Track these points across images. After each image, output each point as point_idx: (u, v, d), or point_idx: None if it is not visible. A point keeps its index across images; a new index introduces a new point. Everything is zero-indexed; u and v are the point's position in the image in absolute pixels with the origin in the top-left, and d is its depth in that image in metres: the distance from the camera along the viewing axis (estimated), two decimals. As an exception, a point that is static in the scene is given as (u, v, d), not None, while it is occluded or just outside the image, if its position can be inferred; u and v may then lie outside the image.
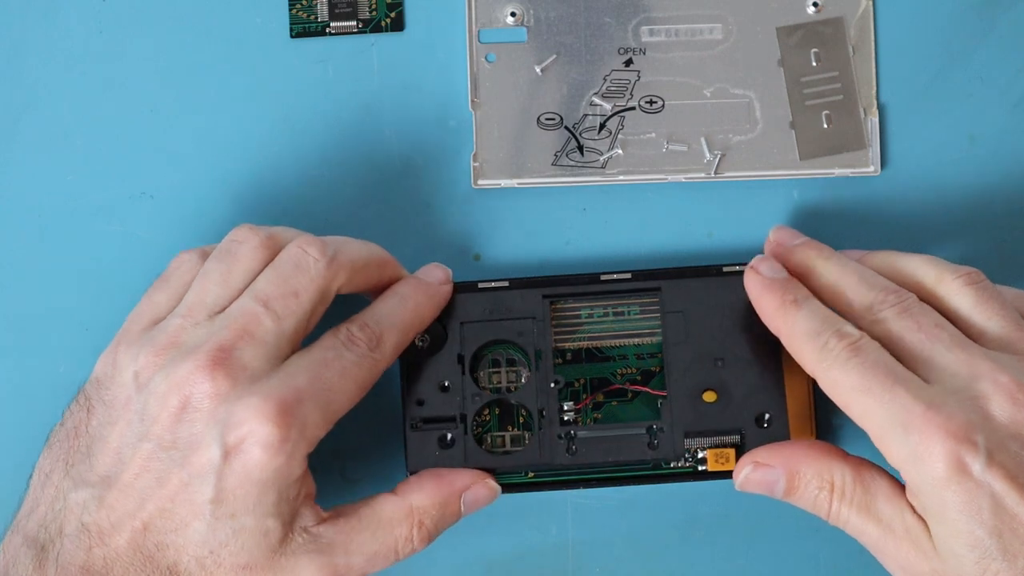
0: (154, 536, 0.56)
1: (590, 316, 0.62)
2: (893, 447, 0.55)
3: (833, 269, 0.59)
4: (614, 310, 0.62)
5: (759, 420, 0.60)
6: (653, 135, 0.64)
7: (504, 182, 0.64)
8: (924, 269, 0.59)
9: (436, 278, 0.61)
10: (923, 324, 0.57)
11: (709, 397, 0.60)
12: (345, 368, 0.57)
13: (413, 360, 0.61)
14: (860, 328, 0.57)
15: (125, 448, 0.56)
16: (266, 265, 0.58)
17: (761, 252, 0.63)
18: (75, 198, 0.64)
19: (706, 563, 0.64)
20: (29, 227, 0.64)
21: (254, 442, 0.55)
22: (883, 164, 0.64)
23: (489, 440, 0.61)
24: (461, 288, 0.61)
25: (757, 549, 0.64)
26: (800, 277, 0.60)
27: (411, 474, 0.60)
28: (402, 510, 0.59)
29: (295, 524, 0.57)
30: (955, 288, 0.58)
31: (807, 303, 0.58)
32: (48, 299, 0.64)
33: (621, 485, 0.62)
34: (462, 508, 0.60)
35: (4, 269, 0.64)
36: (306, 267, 0.58)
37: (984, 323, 0.57)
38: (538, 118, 0.64)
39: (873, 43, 0.64)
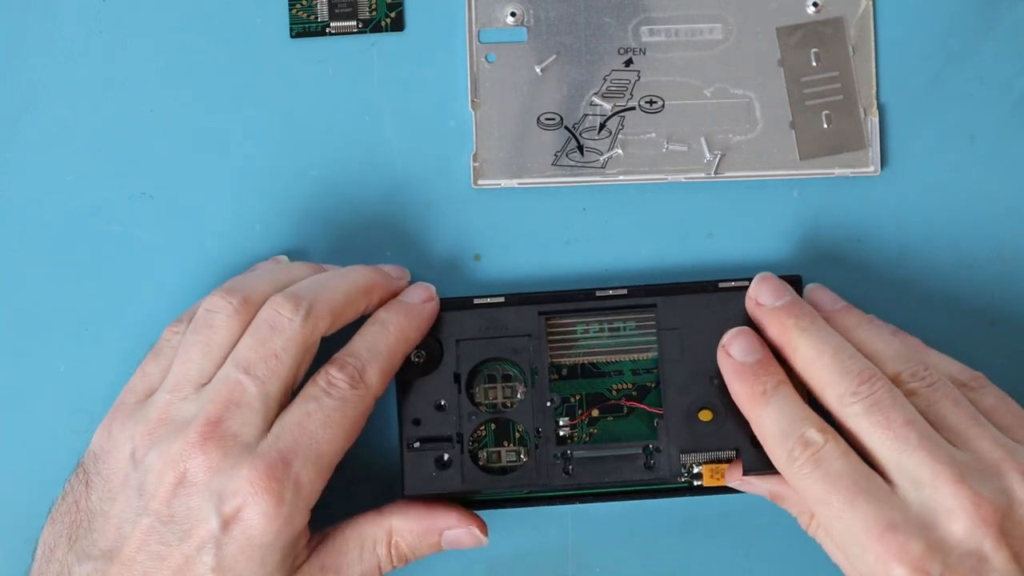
0: None
1: (586, 332, 0.62)
2: (850, 563, 0.56)
3: (809, 347, 0.58)
4: (610, 326, 0.62)
5: (754, 440, 0.60)
6: (653, 135, 0.64)
7: (504, 182, 0.64)
8: (891, 360, 0.58)
9: (419, 297, 0.61)
10: (892, 420, 0.56)
11: (705, 416, 0.60)
12: (329, 416, 0.58)
13: (409, 377, 0.61)
14: (833, 415, 0.57)
15: (125, 523, 0.57)
16: (244, 327, 0.59)
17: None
18: (75, 198, 0.64)
19: (706, 564, 0.64)
20: (29, 227, 0.64)
21: (250, 511, 0.56)
22: (883, 164, 0.64)
23: (485, 455, 0.61)
24: (456, 305, 0.61)
25: (757, 549, 0.64)
26: (778, 347, 0.59)
27: (406, 497, 0.61)
28: (383, 530, 0.60)
29: (294, 564, 0.58)
30: (909, 391, 0.57)
31: (776, 395, 0.57)
32: (48, 299, 0.64)
33: (617, 500, 0.62)
34: (442, 544, 0.60)
35: (4, 269, 0.64)
36: (282, 328, 0.58)
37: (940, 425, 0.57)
38: (538, 118, 0.64)
39: (873, 43, 0.64)
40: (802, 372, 0.58)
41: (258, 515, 0.56)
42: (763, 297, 0.59)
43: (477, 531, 0.60)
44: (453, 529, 0.60)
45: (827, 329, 0.58)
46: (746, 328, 0.59)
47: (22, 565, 0.63)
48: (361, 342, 0.60)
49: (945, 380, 0.58)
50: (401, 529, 0.60)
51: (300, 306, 0.58)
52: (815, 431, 0.56)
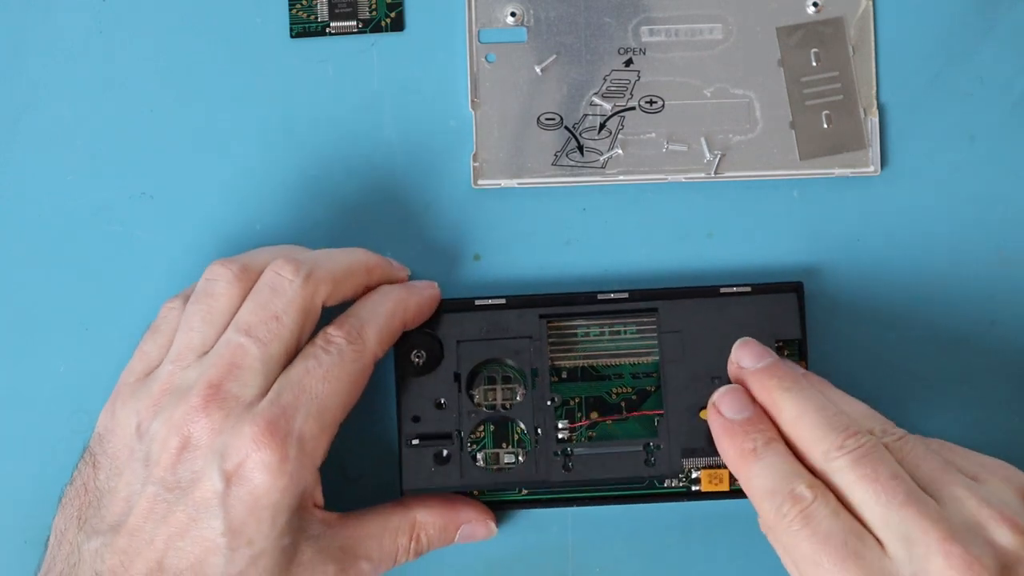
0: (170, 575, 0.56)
1: (586, 334, 0.62)
2: None
3: (793, 405, 0.57)
4: (610, 329, 0.62)
5: None
6: (653, 135, 0.64)
7: (504, 182, 0.64)
8: (862, 419, 0.57)
9: (421, 283, 0.62)
10: (880, 474, 0.55)
11: (705, 416, 0.60)
12: (328, 371, 0.58)
13: (410, 377, 0.61)
14: (819, 473, 0.56)
15: (132, 495, 0.57)
16: (245, 294, 0.59)
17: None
18: (75, 198, 0.64)
19: (706, 563, 0.64)
20: (29, 227, 0.64)
21: (254, 467, 0.56)
22: (883, 164, 0.64)
23: (483, 457, 0.61)
24: (458, 306, 0.61)
25: (757, 549, 0.64)
26: (763, 408, 0.58)
27: (404, 492, 0.61)
28: (407, 521, 0.60)
29: (306, 533, 0.58)
30: (883, 445, 0.57)
31: (766, 452, 0.57)
32: (48, 299, 0.64)
33: (615, 504, 0.62)
34: (457, 538, 0.61)
35: (4, 269, 0.64)
36: (282, 289, 0.58)
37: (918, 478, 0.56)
38: (538, 118, 0.64)
39: (873, 43, 0.64)
40: (787, 431, 0.57)
41: (261, 470, 0.56)
42: (745, 361, 0.59)
43: (493, 524, 0.62)
44: (472, 524, 0.61)
45: (810, 388, 0.58)
46: (736, 386, 0.59)
47: (23, 564, 0.63)
48: (359, 306, 0.60)
49: (912, 435, 0.57)
50: (425, 522, 0.61)
51: (300, 268, 0.58)
52: (805, 487, 0.55)
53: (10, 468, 0.64)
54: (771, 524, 0.56)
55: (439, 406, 0.61)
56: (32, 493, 0.63)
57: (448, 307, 0.61)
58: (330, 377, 0.57)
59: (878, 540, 0.54)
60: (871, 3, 0.64)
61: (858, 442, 0.56)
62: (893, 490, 0.54)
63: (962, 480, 0.55)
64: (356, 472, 0.64)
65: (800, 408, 0.57)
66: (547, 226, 0.64)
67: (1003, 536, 0.54)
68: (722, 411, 0.58)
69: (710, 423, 0.59)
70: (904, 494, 0.54)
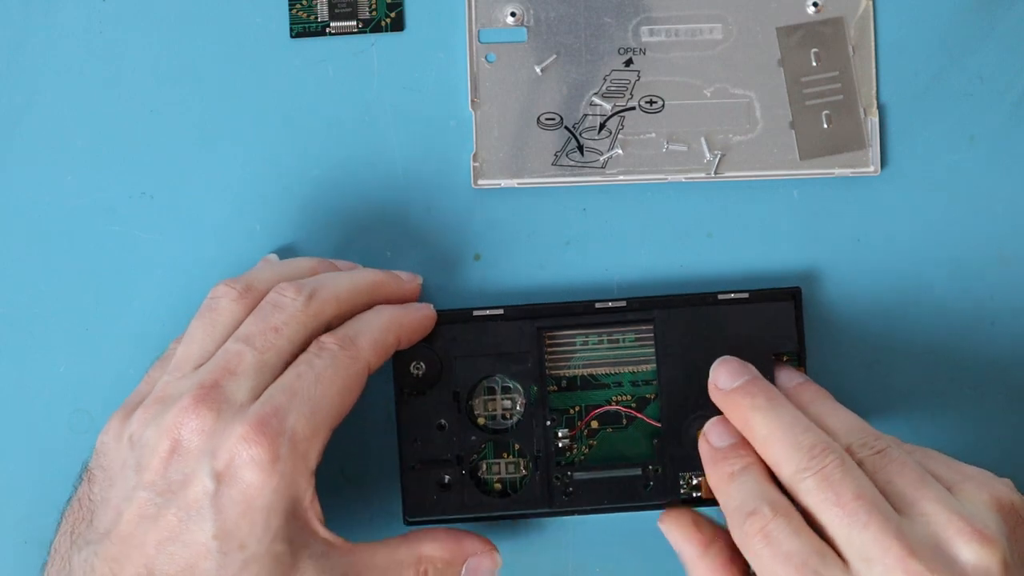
0: None
1: (584, 343, 0.62)
2: None
3: (762, 424, 0.57)
4: (608, 338, 0.62)
5: None
6: (653, 135, 0.64)
7: (504, 182, 0.64)
8: (843, 434, 0.58)
9: (417, 304, 0.62)
10: (842, 496, 0.55)
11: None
12: (320, 374, 0.57)
13: (408, 389, 0.61)
14: (791, 492, 0.56)
15: (123, 502, 0.56)
16: (248, 312, 0.59)
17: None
18: (75, 198, 0.64)
19: (706, 563, 0.64)
20: (29, 227, 0.64)
21: (243, 465, 0.55)
22: (883, 164, 0.64)
23: (484, 468, 0.61)
24: (456, 318, 0.61)
25: (757, 549, 0.64)
26: (740, 430, 0.58)
27: (408, 521, 0.61)
28: (413, 555, 0.59)
29: (307, 550, 0.56)
30: (858, 461, 0.57)
31: (742, 475, 0.57)
32: (48, 299, 0.64)
33: (615, 512, 0.62)
34: (463, 572, 0.60)
35: (4, 269, 0.64)
36: (284, 305, 0.58)
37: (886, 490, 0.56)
38: (538, 118, 0.64)
39: (873, 43, 0.64)
40: (760, 451, 0.57)
41: (252, 468, 0.55)
42: (720, 381, 0.59)
43: (498, 556, 0.61)
44: (478, 557, 0.60)
45: (783, 406, 0.58)
46: (724, 417, 0.59)
47: (22, 565, 0.63)
48: (353, 319, 0.60)
49: (894, 448, 0.57)
50: (432, 556, 0.59)
51: (303, 289, 0.58)
52: (767, 506, 0.55)
53: (10, 468, 0.64)
54: (738, 541, 0.56)
55: (439, 427, 0.61)
56: (32, 493, 0.64)
57: (445, 318, 0.61)
58: (322, 380, 0.57)
59: (843, 559, 0.54)
60: (871, 3, 0.64)
61: (822, 462, 0.56)
62: (855, 511, 0.54)
63: (935, 493, 0.55)
64: (354, 472, 0.64)
65: (769, 428, 0.57)
66: (547, 226, 0.64)
67: (968, 552, 0.54)
68: (710, 440, 0.59)
69: (700, 453, 0.59)
70: (866, 514, 0.54)
